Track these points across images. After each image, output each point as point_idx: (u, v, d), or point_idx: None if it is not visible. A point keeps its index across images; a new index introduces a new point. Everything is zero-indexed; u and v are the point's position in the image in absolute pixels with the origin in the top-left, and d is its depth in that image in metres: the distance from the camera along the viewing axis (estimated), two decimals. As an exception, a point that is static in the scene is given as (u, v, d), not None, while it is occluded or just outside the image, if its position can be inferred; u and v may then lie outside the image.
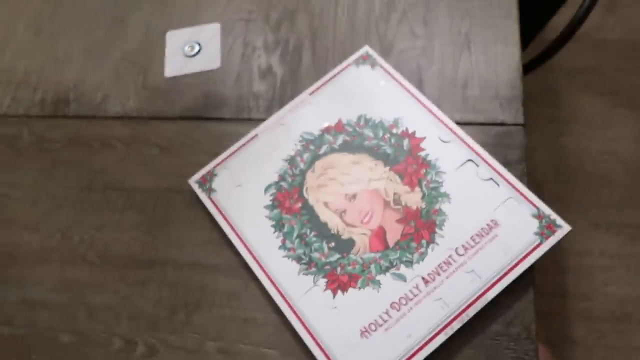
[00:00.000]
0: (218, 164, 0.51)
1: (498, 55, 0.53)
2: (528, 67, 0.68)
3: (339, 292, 0.44)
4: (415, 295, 0.43)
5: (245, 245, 0.47)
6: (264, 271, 0.46)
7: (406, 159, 0.48)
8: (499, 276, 0.43)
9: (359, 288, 0.44)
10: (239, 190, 0.50)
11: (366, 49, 0.54)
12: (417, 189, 0.47)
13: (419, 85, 0.53)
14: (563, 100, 1.31)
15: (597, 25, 1.40)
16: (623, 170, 1.22)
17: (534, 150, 1.23)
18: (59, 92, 0.61)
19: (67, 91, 0.60)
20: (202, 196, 0.50)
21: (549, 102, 1.31)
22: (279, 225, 0.47)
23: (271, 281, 0.45)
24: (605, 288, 1.12)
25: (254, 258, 0.46)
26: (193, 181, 0.51)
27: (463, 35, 0.55)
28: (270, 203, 0.49)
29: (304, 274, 0.45)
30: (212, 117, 0.56)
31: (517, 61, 0.52)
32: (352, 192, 0.47)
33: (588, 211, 1.18)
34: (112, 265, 0.50)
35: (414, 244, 0.45)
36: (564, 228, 0.44)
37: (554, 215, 0.44)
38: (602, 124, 1.28)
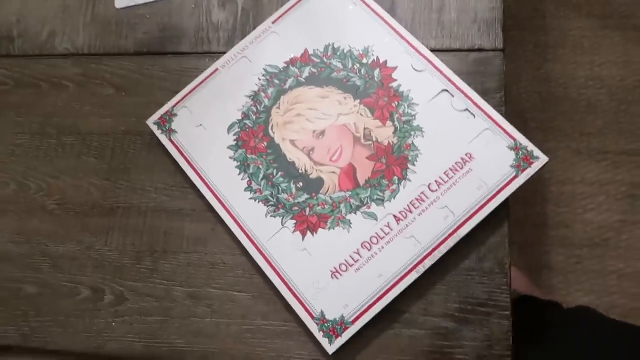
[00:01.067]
0: (177, 103, 0.48)
1: (477, -27, 0.49)
2: None
3: (308, 233, 0.42)
4: (386, 234, 0.42)
5: (210, 188, 0.45)
6: (230, 214, 0.44)
7: (377, 91, 0.45)
8: (472, 212, 0.41)
9: (329, 228, 0.42)
10: (201, 130, 0.47)
11: (333, -31, 0.49)
12: (389, 122, 0.44)
13: (391, 9, 0.48)
14: (549, 24, 1.26)
15: (588, -59, 1.32)
16: (608, 96, 1.19)
17: (518, 77, 1.19)
18: (0, 29, 0.55)
19: (9, 27, 0.55)
20: (162, 138, 0.47)
21: (535, 27, 1.25)
22: (244, 166, 0.45)
23: (238, 224, 0.44)
24: (584, 215, 1.12)
25: (220, 201, 0.44)
26: (151, 122, 0.48)
27: (440, -48, 0.50)
28: (234, 143, 0.46)
29: (271, 215, 0.43)
30: (169, 52, 0.51)
31: (497, -21, 0.48)
32: (320, 129, 0.45)
33: (571, 139, 1.17)
34: (72, 213, 0.48)
35: (385, 181, 0.43)
36: (541, 159, 0.42)
37: (531, 147, 0.42)
38: (589, 48, 1.23)
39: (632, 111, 1.18)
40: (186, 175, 0.46)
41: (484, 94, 0.45)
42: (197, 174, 0.45)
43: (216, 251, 0.45)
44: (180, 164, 0.46)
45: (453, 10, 0.48)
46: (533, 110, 1.19)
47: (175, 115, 0.47)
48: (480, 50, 0.47)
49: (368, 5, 0.47)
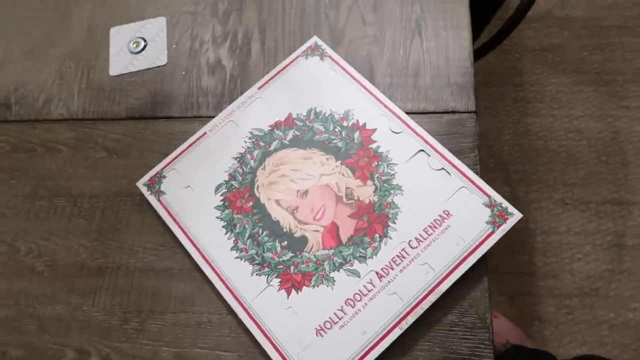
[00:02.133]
0: (166, 165, 0.50)
1: (449, 40, 0.52)
2: (482, 51, 0.67)
3: (293, 291, 0.43)
4: (369, 291, 0.42)
5: (197, 248, 0.46)
6: (217, 273, 0.45)
7: (357, 152, 0.47)
8: (452, 267, 0.42)
9: (313, 286, 0.43)
10: (189, 191, 0.48)
11: (315, 39, 0.53)
12: (369, 182, 0.46)
13: (370, 75, 0.52)
14: (527, 80, 1.32)
15: (560, 3, 1.40)
16: (587, 148, 1.23)
17: (500, 131, 1.24)
18: (-1, 95, 0.58)
19: (7, 94, 0.58)
20: (151, 199, 0.49)
21: (514, 83, 1.31)
22: (230, 226, 0.46)
23: (224, 283, 0.44)
24: (572, 265, 1.13)
25: (206, 261, 0.45)
26: (141, 184, 0.49)
27: (414, 22, 0.54)
28: (221, 203, 0.47)
29: (257, 274, 0.44)
30: (160, 116, 0.54)
31: (467, 46, 0.52)
32: (303, 189, 0.47)
33: (554, 190, 1.19)
34: (61, 274, 0.49)
35: (367, 239, 0.44)
36: (516, 215, 0.44)
37: (505, 203, 0.44)
38: (567, 102, 1.29)
39: (612, 162, 1.21)
40: (174, 235, 0.47)
41: (459, 153, 0.47)
42: (185, 234, 0.47)
43: (203, 310, 0.45)
44: (169, 225, 0.47)
45: (428, 75, 0.51)
46: (515, 163, 1.22)
47: (165, 177, 0.49)
48: (454, 112, 0.50)
49: (347, 72, 0.50)
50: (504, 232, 0.43)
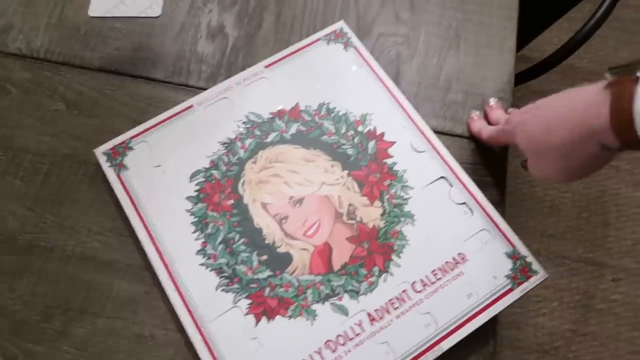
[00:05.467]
0: (136, 135, 0.41)
1: (490, 59, 0.46)
2: (523, 76, 0.61)
3: (264, 318, 0.35)
4: (356, 335, 0.35)
5: (154, 243, 0.37)
6: (173, 279, 0.36)
7: (369, 164, 0.40)
8: (458, 323, 0.35)
9: (289, 317, 0.35)
10: (158, 172, 0.39)
11: (341, 24, 0.45)
12: (378, 202, 0.39)
13: (395, 79, 0.44)
14: (525, 122, 1.28)
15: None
16: (571, 202, 1.20)
17: (490, 168, 1.19)
18: (-55, 10, 0.47)
19: (-43, 11, 0.47)
20: (109, 172, 0.39)
21: (512, 122, 1.27)
22: (201, 224, 0.38)
23: (180, 293, 0.36)
24: (536, 319, 1.10)
25: (163, 260, 0.37)
26: (101, 152, 0.40)
27: (453, 30, 0.47)
28: (195, 194, 0.39)
29: (223, 290, 0.36)
30: (140, 75, 0.45)
31: (510, 70, 0.45)
32: (298, 196, 0.38)
33: (532, 238, 1.16)
34: (-24, 243, 0.39)
35: (363, 271, 0.36)
36: (540, 274, 0.37)
37: (530, 258, 0.37)
38: (558, 152, 1.26)
39: (593, 220, 1.19)
40: (129, 221, 0.38)
41: (483, 188, 0.40)
42: (143, 222, 0.38)
43: (146, 321, 0.37)
44: (125, 207, 0.38)
45: (460, 92, 0.45)
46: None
47: (132, 149, 0.40)
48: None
49: (373, 70, 0.43)
50: (524, 292, 0.36)
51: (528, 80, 0.62)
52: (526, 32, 0.59)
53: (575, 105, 0.29)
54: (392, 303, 0.36)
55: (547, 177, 0.33)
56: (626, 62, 0.26)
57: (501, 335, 1.07)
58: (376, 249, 0.37)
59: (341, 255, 0.37)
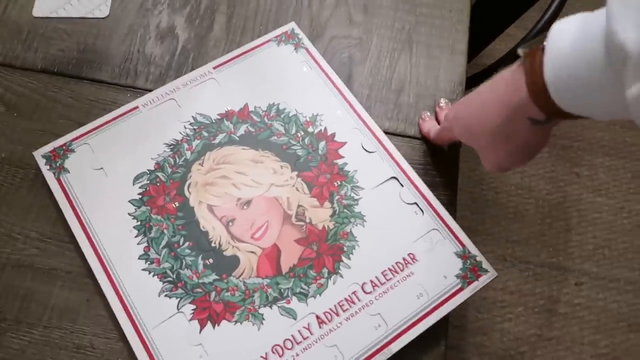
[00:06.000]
0: (78, 137, 0.39)
1: (442, 61, 0.46)
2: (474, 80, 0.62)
3: (209, 324, 0.34)
4: (304, 338, 0.34)
5: (95, 249, 0.36)
6: (114, 286, 0.35)
7: (319, 165, 0.39)
8: (408, 324, 0.35)
9: (236, 322, 0.34)
10: (100, 175, 0.38)
11: (292, 25, 0.44)
12: (327, 204, 0.38)
13: (348, 81, 0.44)
14: (488, 130, 1.30)
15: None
16: (535, 207, 1.22)
17: (455, 175, 1.20)
18: None
19: None
20: (49, 176, 0.38)
21: (475, 130, 1.29)
22: (144, 228, 0.36)
23: (121, 300, 0.34)
24: (502, 324, 1.10)
25: (104, 267, 0.35)
26: (40, 155, 0.38)
27: (406, 32, 0.47)
28: (138, 197, 0.37)
29: (166, 295, 0.35)
30: (84, 77, 0.43)
31: (461, 71, 0.46)
32: (246, 198, 0.38)
33: (497, 244, 1.17)
34: None
35: (312, 273, 0.36)
36: (490, 274, 0.37)
37: (480, 257, 0.37)
38: (521, 159, 1.28)
39: (556, 226, 1.21)
40: (68, 226, 0.37)
41: (434, 188, 0.40)
42: (83, 227, 0.36)
43: (87, 331, 0.35)
44: (64, 212, 0.37)
45: (412, 94, 0.45)
46: (464, 209, 1.19)
47: (73, 151, 0.39)
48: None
49: (324, 71, 0.43)
50: (474, 291, 0.36)
51: (479, 83, 0.63)
52: (479, 40, 0.61)
53: (497, 86, 0.29)
54: (342, 305, 0.35)
55: (500, 166, 0.33)
56: (534, 36, 0.27)
57: (468, 342, 1.08)
58: (325, 251, 0.36)
59: (290, 257, 0.36)
